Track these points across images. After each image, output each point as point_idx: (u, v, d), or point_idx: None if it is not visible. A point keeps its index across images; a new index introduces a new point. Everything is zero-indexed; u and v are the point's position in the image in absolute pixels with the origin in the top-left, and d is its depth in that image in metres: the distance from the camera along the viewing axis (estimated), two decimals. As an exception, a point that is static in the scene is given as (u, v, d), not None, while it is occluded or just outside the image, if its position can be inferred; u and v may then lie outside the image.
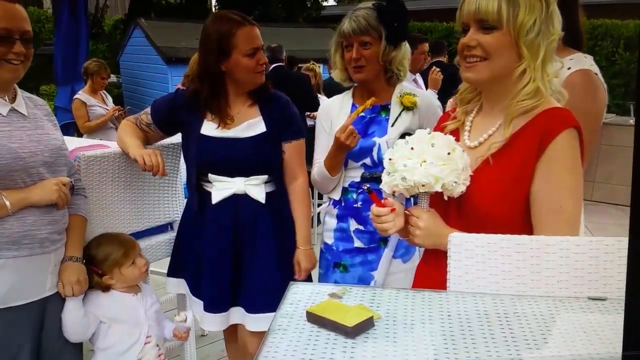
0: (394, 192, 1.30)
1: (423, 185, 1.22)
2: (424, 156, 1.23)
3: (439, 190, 1.23)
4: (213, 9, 15.95)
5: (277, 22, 11.92)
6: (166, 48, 8.75)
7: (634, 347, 0.66)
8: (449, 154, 1.23)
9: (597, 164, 5.82)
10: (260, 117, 1.98)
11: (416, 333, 0.96)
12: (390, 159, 1.27)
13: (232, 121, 1.96)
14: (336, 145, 1.90)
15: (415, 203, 1.36)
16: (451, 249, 1.21)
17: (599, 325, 0.99)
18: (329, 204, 2.13)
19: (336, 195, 2.06)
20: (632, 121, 6.32)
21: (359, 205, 2.00)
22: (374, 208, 1.32)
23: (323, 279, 2.14)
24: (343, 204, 2.05)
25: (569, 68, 1.67)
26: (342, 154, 1.94)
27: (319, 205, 4.97)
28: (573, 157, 1.25)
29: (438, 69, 4.20)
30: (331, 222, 2.10)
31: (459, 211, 1.31)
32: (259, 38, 1.92)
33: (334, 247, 2.08)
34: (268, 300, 1.90)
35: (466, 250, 1.20)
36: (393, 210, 1.31)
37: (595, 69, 1.70)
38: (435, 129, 1.47)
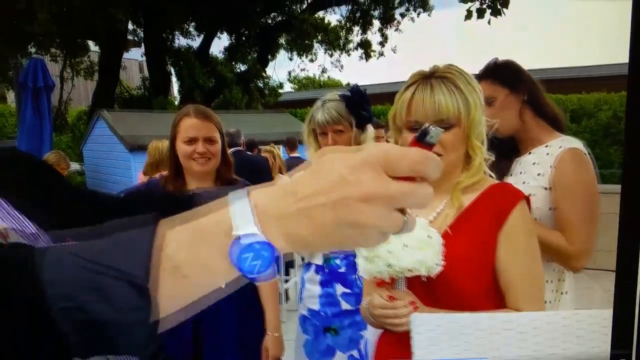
0: (374, 277, 1.32)
1: (410, 271, 1.23)
2: (404, 240, 1.24)
3: (424, 274, 1.24)
4: (175, 99, 16.41)
5: (238, 109, 12.37)
6: (129, 137, 8.93)
7: (621, 346, 0.70)
8: (429, 236, 1.26)
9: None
10: None
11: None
12: None
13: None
14: None
15: None
16: (414, 329, 1.20)
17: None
18: (311, 271, 2.21)
19: (318, 260, 2.16)
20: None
21: (344, 270, 2.10)
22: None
23: (314, 344, 2.17)
24: (327, 270, 2.14)
25: (560, 147, 1.78)
26: None
27: (286, 281, 5.02)
28: (531, 224, 1.36)
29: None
30: (315, 289, 2.17)
31: (427, 285, 1.31)
32: (200, 129, 2.04)
33: (322, 313, 2.14)
34: None
35: (428, 330, 1.20)
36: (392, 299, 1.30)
37: (584, 148, 1.80)
38: None
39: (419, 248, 1.23)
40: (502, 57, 1.95)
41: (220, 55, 16.63)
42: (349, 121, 2.15)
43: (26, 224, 0.72)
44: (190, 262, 0.50)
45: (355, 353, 2.13)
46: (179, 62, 15.14)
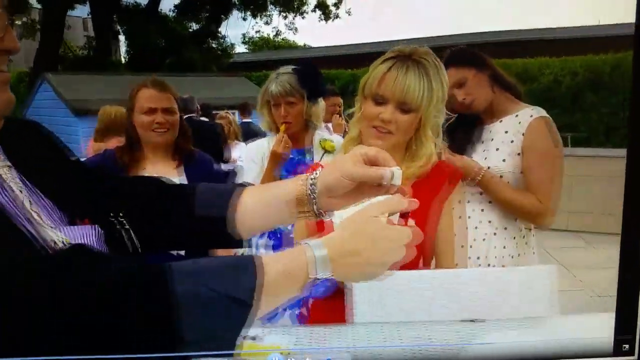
0: None
1: None
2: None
3: None
4: (122, 60, 15.85)
5: (193, 72, 12.09)
6: (75, 101, 8.65)
7: (624, 332, 0.76)
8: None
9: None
10: (184, 177, 2.18)
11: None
12: None
13: None
14: (273, 158, 2.29)
15: None
16: (354, 291, 1.36)
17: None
18: (264, 237, 2.38)
19: None
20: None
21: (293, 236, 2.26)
22: None
23: None
24: (279, 235, 2.33)
25: (531, 116, 2.04)
26: (277, 167, 2.32)
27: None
28: (463, 198, 1.65)
29: (339, 116, 4.67)
30: (268, 253, 2.28)
31: None
32: (159, 100, 2.15)
33: None
34: None
35: (368, 291, 1.37)
36: None
37: (550, 118, 2.07)
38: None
39: None
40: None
41: (171, 14, 16.12)
42: (301, 93, 2.38)
43: (46, 202, 0.83)
44: (280, 292, 0.75)
45: (304, 311, 2.27)
46: (127, 20, 14.59)
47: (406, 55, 1.47)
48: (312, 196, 0.89)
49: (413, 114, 1.48)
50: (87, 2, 15.12)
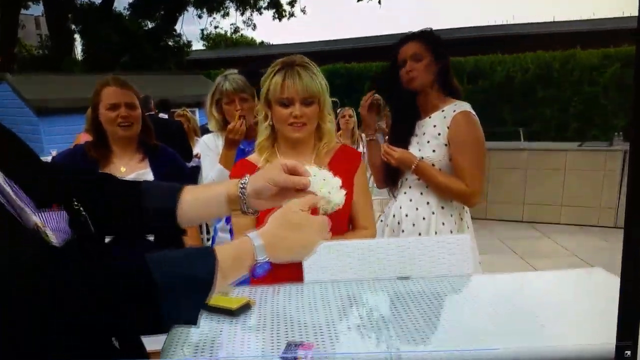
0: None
1: (337, 205, 1.42)
2: (329, 184, 1.44)
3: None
4: (79, 59, 15.65)
5: (149, 68, 12.08)
6: (36, 100, 8.61)
7: (626, 338, 0.75)
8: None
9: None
10: (149, 169, 2.26)
11: (280, 310, 1.39)
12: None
13: (121, 173, 2.19)
14: (228, 143, 2.35)
15: None
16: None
17: (405, 295, 1.48)
18: (222, 222, 2.44)
19: None
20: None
21: None
22: None
23: None
24: None
25: (454, 111, 2.19)
26: (233, 149, 2.38)
27: (208, 240, 5.15)
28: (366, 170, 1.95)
29: None
30: (226, 237, 2.43)
31: None
32: (121, 96, 2.23)
33: None
34: None
35: (316, 254, 1.63)
36: None
37: (472, 110, 2.22)
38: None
39: (339, 189, 1.49)
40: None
41: (125, 12, 16.02)
42: (252, 91, 2.45)
43: (18, 190, 0.88)
44: (231, 274, 0.90)
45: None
46: (81, 19, 14.43)
47: (290, 63, 1.75)
48: (242, 198, 1.08)
49: (315, 104, 1.76)
50: (41, 1, 14.85)
